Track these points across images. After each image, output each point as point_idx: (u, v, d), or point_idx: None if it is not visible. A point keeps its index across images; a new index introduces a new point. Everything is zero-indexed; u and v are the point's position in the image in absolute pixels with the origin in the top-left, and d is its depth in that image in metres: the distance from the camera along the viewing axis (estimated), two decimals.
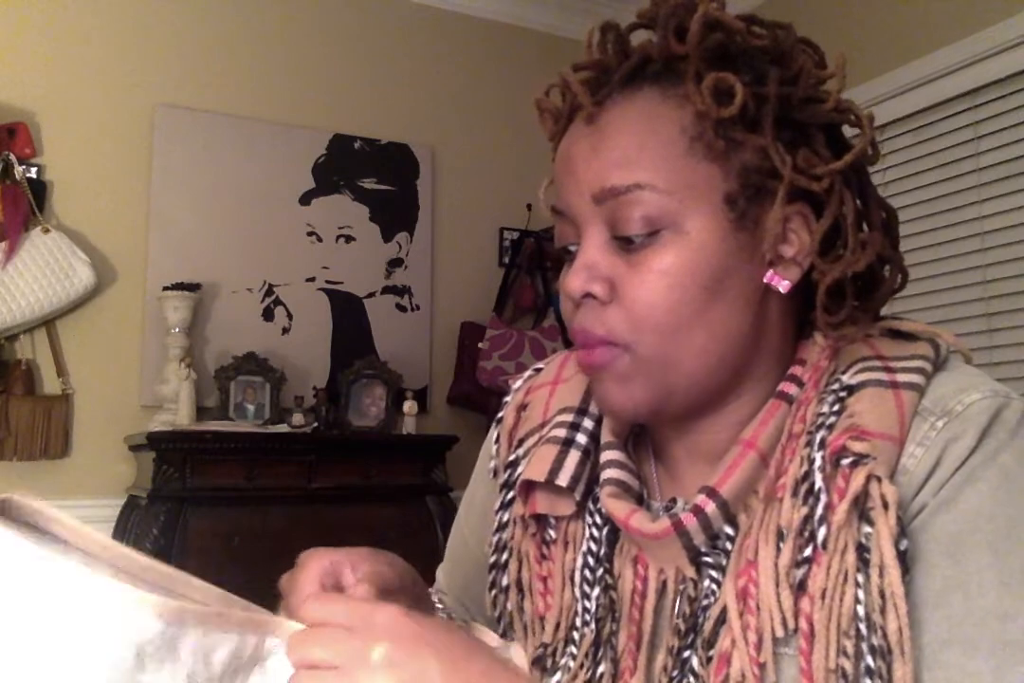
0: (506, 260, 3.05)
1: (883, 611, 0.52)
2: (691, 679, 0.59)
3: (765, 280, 0.62)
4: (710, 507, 0.60)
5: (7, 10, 2.51)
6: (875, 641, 0.52)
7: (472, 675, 0.49)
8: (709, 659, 0.59)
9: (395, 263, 2.93)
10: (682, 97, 0.61)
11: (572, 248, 0.65)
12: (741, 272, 0.61)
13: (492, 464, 0.78)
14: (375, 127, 2.95)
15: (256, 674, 0.50)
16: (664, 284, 0.59)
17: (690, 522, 0.60)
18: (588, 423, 0.71)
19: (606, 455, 0.68)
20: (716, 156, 0.60)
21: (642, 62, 0.63)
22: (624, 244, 0.61)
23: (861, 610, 0.53)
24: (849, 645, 0.53)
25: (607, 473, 0.67)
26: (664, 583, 0.63)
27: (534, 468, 0.69)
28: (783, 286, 0.62)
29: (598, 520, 0.68)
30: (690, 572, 0.62)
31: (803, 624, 0.55)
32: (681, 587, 0.62)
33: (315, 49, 2.89)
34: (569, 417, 0.71)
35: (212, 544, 2.17)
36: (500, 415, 0.79)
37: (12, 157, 2.40)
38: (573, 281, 0.62)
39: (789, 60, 0.63)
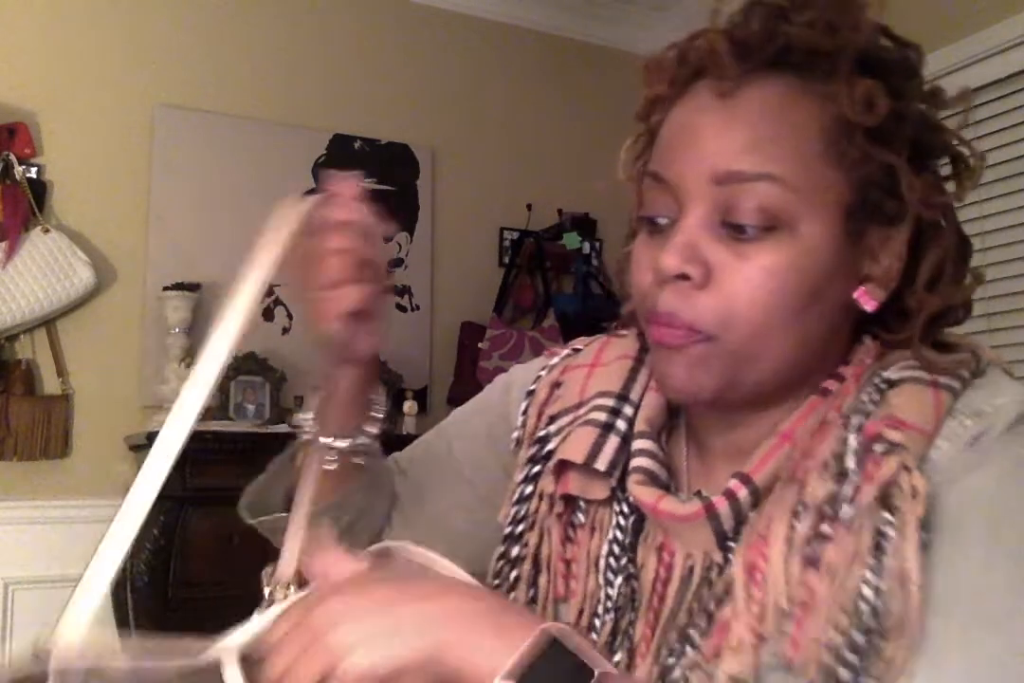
0: (506, 260, 3.05)
1: (892, 593, 0.52)
2: (689, 650, 0.59)
3: (855, 296, 0.62)
4: (742, 492, 0.60)
5: (7, 10, 2.51)
6: (871, 621, 0.52)
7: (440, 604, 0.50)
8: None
9: (395, 263, 2.93)
10: (822, 95, 0.59)
11: (660, 220, 0.63)
12: (836, 285, 0.61)
13: (516, 434, 0.77)
14: (375, 127, 2.95)
15: None
16: (770, 283, 0.58)
17: (722, 506, 0.60)
18: (628, 410, 0.70)
19: (638, 444, 0.68)
20: (846, 164, 0.59)
21: (785, 48, 0.60)
22: (733, 232, 0.59)
23: (867, 591, 0.53)
24: (844, 621, 0.53)
25: (637, 461, 0.66)
26: (691, 569, 0.63)
27: (572, 449, 0.68)
28: (870, 305, 0.62)
29: (626, 509, 0.68)
30: (718, 557, 0.62)
31: (804, 595, 0.55)
32: (705, 573, 0.62)
33: (315, 49, 2.89)
34: (610, 402, 0.71)
35: (212, 544, 2.17)
36: (532, 387, 0.78)
37: (12, 157, 2.40)
38: (671, 258, 0.59)
39: (918, 81, 0.63)
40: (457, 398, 2.87)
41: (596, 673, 0.47)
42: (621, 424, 0.69)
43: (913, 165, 0.60)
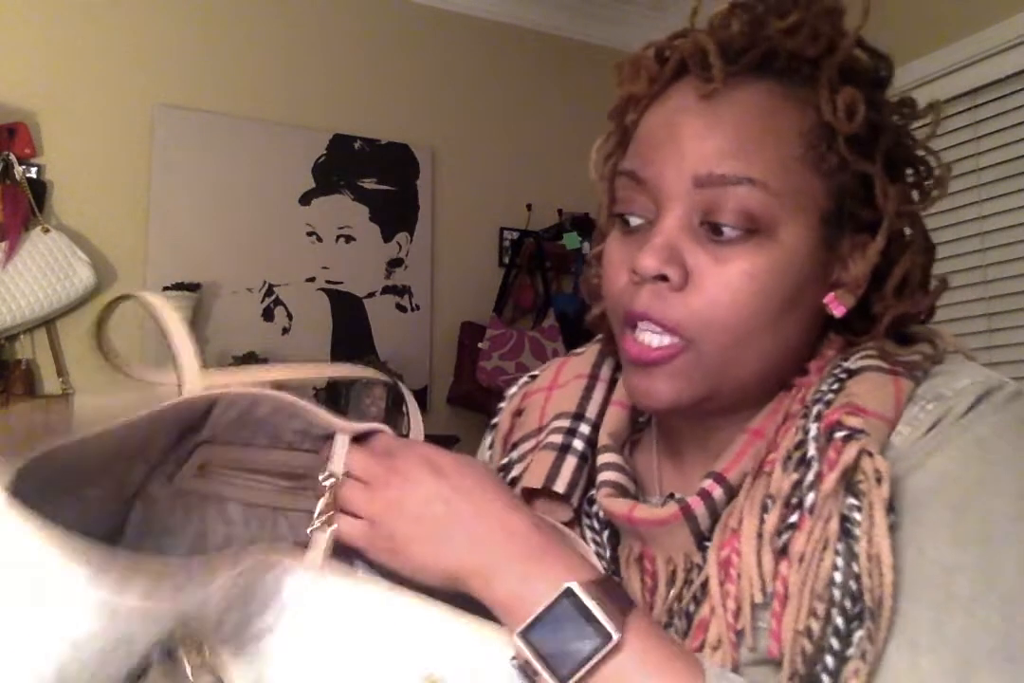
0: (506, 260, 3.05)
1: (869, 575, 0.52)
2: None
3: (825, 301, 0.63)
4: (717, 492, 0.60)
5: (7, 11, 2.51)
6: (847, 604, 0.52)
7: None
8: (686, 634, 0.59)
9: (395, 263, 2.93)
10: (803, 101, 0.60)
11: (633, 220, 0.62)
12: (810, 291, 0.61)
13: None
14: (375, 127, 2.95)
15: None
16: (750, 287, 0.58)
17: (698, 507, 0.60)
18: (585, 428, 0.70)
19: (603, 458, 0.67)
20: (824, 171, 0.60)
21: (769, 53, 0.61)
22: (712, 234, 0.59)
23: (838, 576, 0.53)
24: (820, 608, 0.53)
25: (604, 475, 0.66)
26: (673, 572, 0.63)
27: (532, 475, 0.68)
28: (840, 311, 0.63)
29: (596, 525, 0.67)
30: (698, 558, 0.61)
31: (779, 587, 0.55)
32: (685, 574, 0.62)
33: (315, 49, 2.89)
34: (566, 423, 0.70)
35: None
36: (495, 421, 0.79)
37: (12, 157, 2.40)
38: (650, 259, 0.58)
39: (887, 90, 0.63)
40: (457, 398, 2.88)
41: (613, 637, 0.51)
42: (578, 443, 0.69)
43: (887, 175, 0.61)
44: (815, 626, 0.53)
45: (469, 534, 0.55)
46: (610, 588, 0.54)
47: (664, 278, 0.59)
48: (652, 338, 0.60)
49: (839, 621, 0.52)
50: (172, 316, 0.55)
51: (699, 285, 0.59)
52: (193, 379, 0.53)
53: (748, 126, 0.59)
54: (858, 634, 0.52)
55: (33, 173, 2.46)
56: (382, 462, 0.58)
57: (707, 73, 0.60)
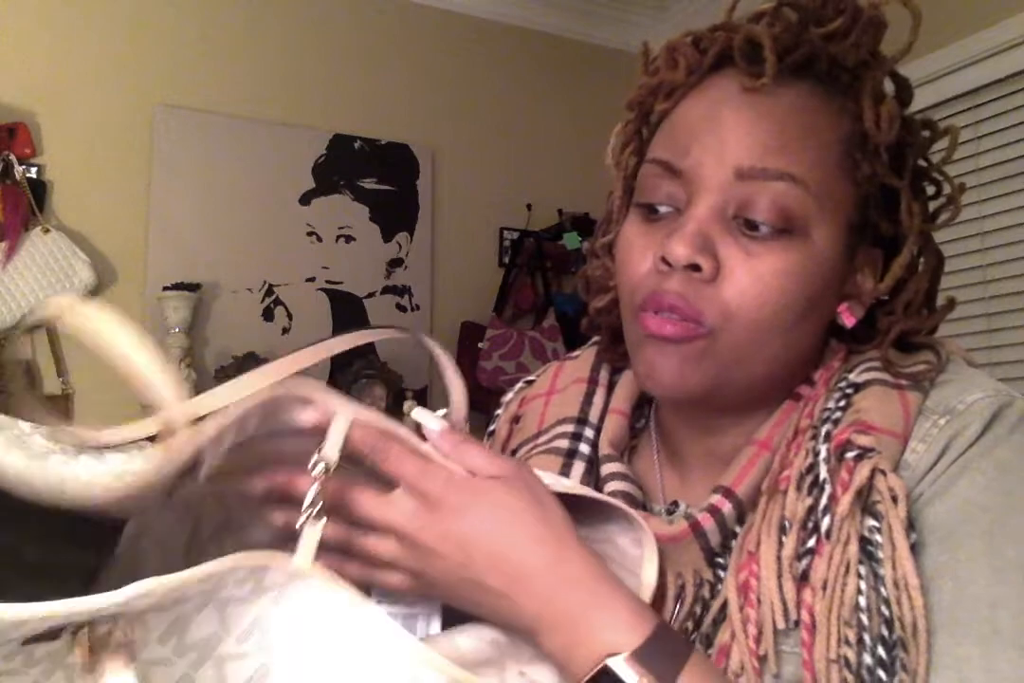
0: (506, 260, 3.05)
1: (898, 602, 0.52)
2: None
3: (839, 310, 0.63)
4: (726, 507, 0.60)
5: (7, 11, 2.51)
6: (883, 631, 0.52)
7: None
8: (709, 656, 0.58)
9: (395, 263, 2.93)
10: (840, 108, 0.60)
11: (661, 208, 0.61)
12: (828, 297, 0.61)
13: None
14: (375, 127, 2.95)
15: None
16: (779, 285, 0.58)
17: (708, 523, 0.60)
18: (589, 433, 0.69)
19: (607, 468, 0.67)
20: (856, 179, 0.60)
21: (812, 56, 0.61)
22: (745, 228, 0.58)
23: (863, 601, 0.52)
24: (851, 634, 0.52)
25: (611, 486, 0.65)
26: (682, 588, 0.62)
27: None
28: (850, 321, 0.63)
29: None
30: (708, 574, 0.61)
31: (804, 615, 0.54)
32: (695, 590, 0.61)
33: (314, 49, 2.89)
34: (570, 427, 0.70)
35: None
36: (492, 428, 0.78)
37: (12, 157, 2.40)
38: (682, 247, 0.57)
39: (908, 106, 0.64)
40: None
41: None
42: (584, 448, 0.68)
43: (912, 191, 0.62)
44: (850, 654, 0.52)
45: (531, 600, 0.51)
46: (659, 647, 0.50)
47: (695, 268, 0.58)
48: (673, 327, 0.59)
49: (881, 651, 0.52)
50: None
51: (729, 278, 0.58)
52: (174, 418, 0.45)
53: (791, 124, 0.59)
54: (899, 664, 0.51)
55: (33, 173, 2.45)
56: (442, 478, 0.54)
57: (755, 67, 0.59)
